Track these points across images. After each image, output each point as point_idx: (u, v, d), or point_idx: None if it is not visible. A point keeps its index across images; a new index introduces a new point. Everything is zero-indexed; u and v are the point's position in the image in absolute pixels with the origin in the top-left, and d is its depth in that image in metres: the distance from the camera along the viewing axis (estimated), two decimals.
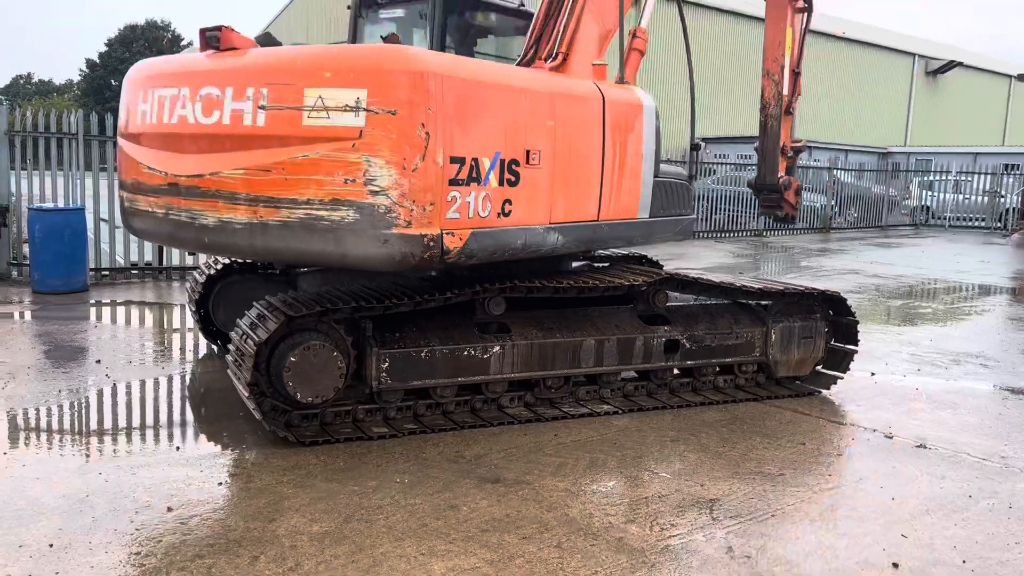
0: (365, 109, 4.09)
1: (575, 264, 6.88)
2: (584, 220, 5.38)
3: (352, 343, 4.99)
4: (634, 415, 5.70)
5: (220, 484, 4.25)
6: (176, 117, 4.68)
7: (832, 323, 6.57)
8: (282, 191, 4.26)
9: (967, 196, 25.68)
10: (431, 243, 4.27)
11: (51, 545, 3.49)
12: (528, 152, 4.84)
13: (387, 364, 5.06)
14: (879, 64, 37.55)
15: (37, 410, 5.42)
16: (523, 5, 8.64)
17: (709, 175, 21.63)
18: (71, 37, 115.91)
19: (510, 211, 4.77)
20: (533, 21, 5.91)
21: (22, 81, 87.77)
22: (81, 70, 72.37)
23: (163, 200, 4.91)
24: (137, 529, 3.66)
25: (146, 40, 68.75)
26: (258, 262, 6.98)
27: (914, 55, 39.32)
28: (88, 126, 10.41)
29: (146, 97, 5.01)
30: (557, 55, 5.63)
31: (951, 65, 39.98)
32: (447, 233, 4.34)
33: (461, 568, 3.41)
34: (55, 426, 5.16)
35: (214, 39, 4.68)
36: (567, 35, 5.67)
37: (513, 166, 4.74)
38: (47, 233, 9.36)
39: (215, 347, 7.18)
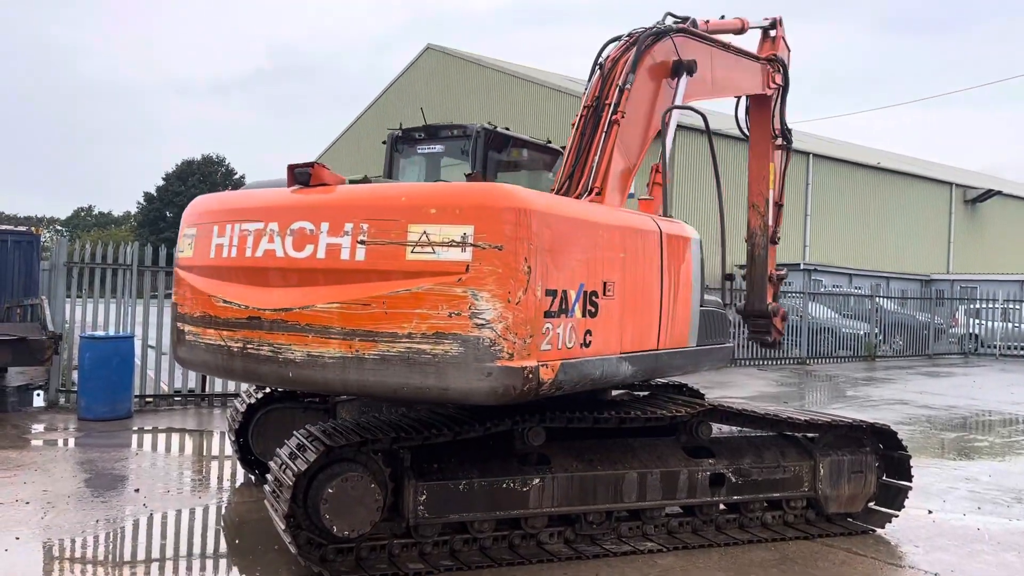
0: (472, 244, 4.21)
1: (615, 393, 6.82)
2: (648, 349, 5.46)
3: (390, 474, 4.92)
4: (679, 553, 5.47)
5: None
6: (261, 251, 4.73)
7: (883, 457, 6.35)
8: (381, 325, 4.29)
9: (1016, 324, 25.15)
10: (530, 375, 4.30)
11: None
12: (605, 283, 4.96)
13: (424, 497, 4.97)
14: (917, 193, 37.84)
15: (73, 540, 5.38)
16: (550, 142, 8.99)
17: None
18: (132, 172, 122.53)
19: (590, 341, 4.82)
20: (564, 157, 6.14)
21: (83, 213, 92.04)
22: (139, 203, 75.77)
23: (239, 334, 4.86)
24: None
25: (201, 175, 72.13)
26: (300, 391, 7.03)
27: (951, 184, 39.61)
28: (142, 256, 10.82)
29: (223, 231, 5.08)
30: (592, 189, 5.80)
31: (990, 194, 40.11)
32: (542, 365, 4.39)
33: None
34: (90, 557, 5.10)
35: (304, 175, 4.79)
36: (600, 170, 5.86)
37: (593, 297, 4.85)
38: (96, 361, 9.58)
39: (253, 476, 7.14)
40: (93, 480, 6.96)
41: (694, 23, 7.10)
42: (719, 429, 6.29)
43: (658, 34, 6.36)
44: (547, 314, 4.41)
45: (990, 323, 25.68)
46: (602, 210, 5.35)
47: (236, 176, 75.18)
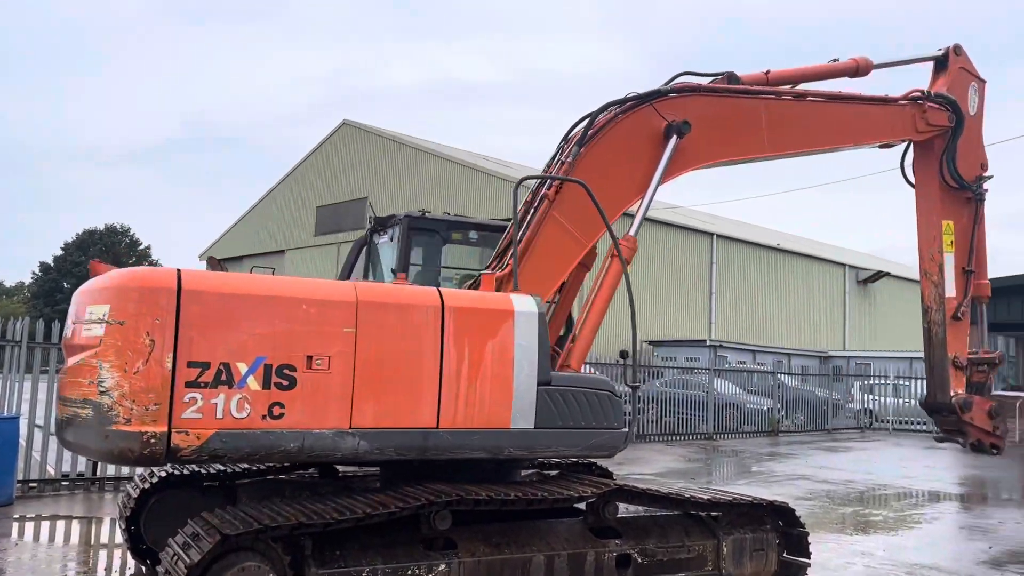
0: (105, 321, 4.68)
1: (524, 473, 6.81)
2: (409, 427, 5.26)
3: (290, 563, 4.76)
4: None
5: None
6: (69, 330, 5.16)
7: (783, 534, 6.50)
8: (65, 390, 4.89)
9: (906, 400, 26.37)
10: (152, 440, 4.52)
11: None
12: (310, 357, 4.97)
13: None
14: (815, 273, 39.79)
15: None
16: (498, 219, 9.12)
17: (658, 378, 22.01)
18: (28, 240, 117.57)
19: (281, 414, 4.86)
20: (504, 236, 6.32)
21: None
22: (34, 273, 72.48)
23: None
24: None
25: (104, 245, 69.71)
26: (200, 474, 6.80)
27: (845, 265, 41.80)
28: (33, 330, 10.33)
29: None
30: (505, 266, 5.96)
31: (880, 275, 42.46)
32: (179, 432, 4.58)
33: None
34: None
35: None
36: (520, 247, 6.06)
37: (285, 371, 4.89)
38: None
39: (144, 567, 6.76)
40: None
41: (733, 78, 6.66)
42: (625, 509, 6.34)
43: (626, 103, 6.26)
44: (189, 384, 4.65)
45: (883, 398, 26.85)
46: (307, 284, 5.24)
47: (141, 247, 73.01)
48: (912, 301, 44.76)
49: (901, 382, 26.91)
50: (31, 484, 10.14)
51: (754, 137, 6.55)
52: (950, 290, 7.05)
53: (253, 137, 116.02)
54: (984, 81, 7.43)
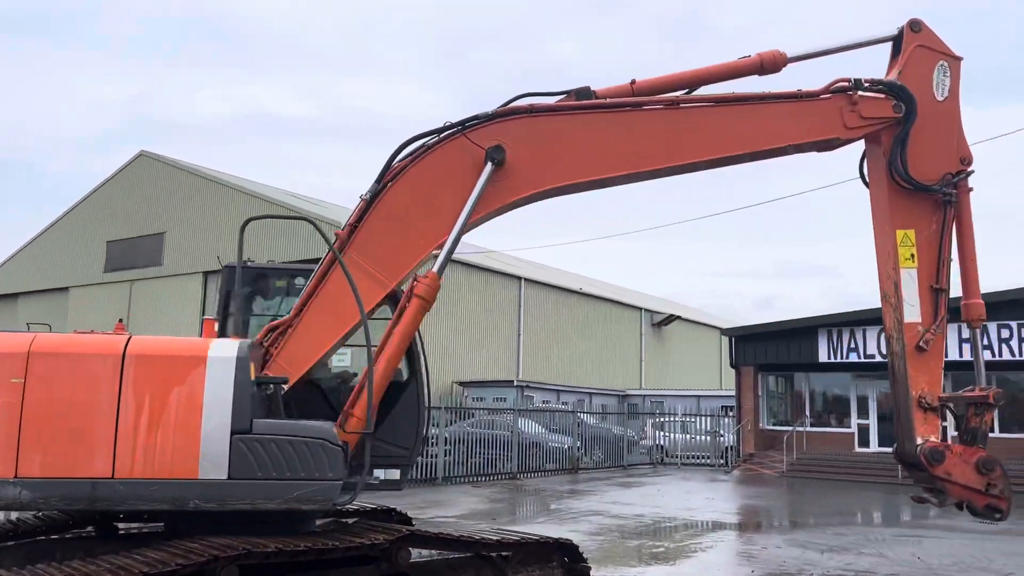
0: None
1: (320, 522, 6.78)
2: (79, 476, 5.23)
3: None
4: None
5: None
6: None
7: (568, 570, 6.88)
8: None
9: (693, 436, 28.41)
10: None
11: None
12: None
13: None
14: (615, 316, 42.10)
15: None
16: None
17: (466, 419, 22.35)
18: None
19: None
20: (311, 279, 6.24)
21: None
22: None
23: None
24: None
25: None
26: None
27: (641, 309, 44.56)
28: None
29: None
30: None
31: (672, 318, 45.61)
32: None
33: None
34: None
35: None
36: (307, 293, 6.13)
37: None
38: None
39: None
40: None
41: (584, 93, 6.04)
42: (419, 554, 6.47)
43: (441, 132, 5.98)
44: None
45: (673, 435, 28.75)
46: None
47: None
48: (701, 342, 48.41)
49: (688, 419, 28.97)
50: None
51: (600, 156, 5.89)
52: (911, 314, 6.00)
53: (38, 162, 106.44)
54: (958, 58, 6.31)
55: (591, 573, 7.09)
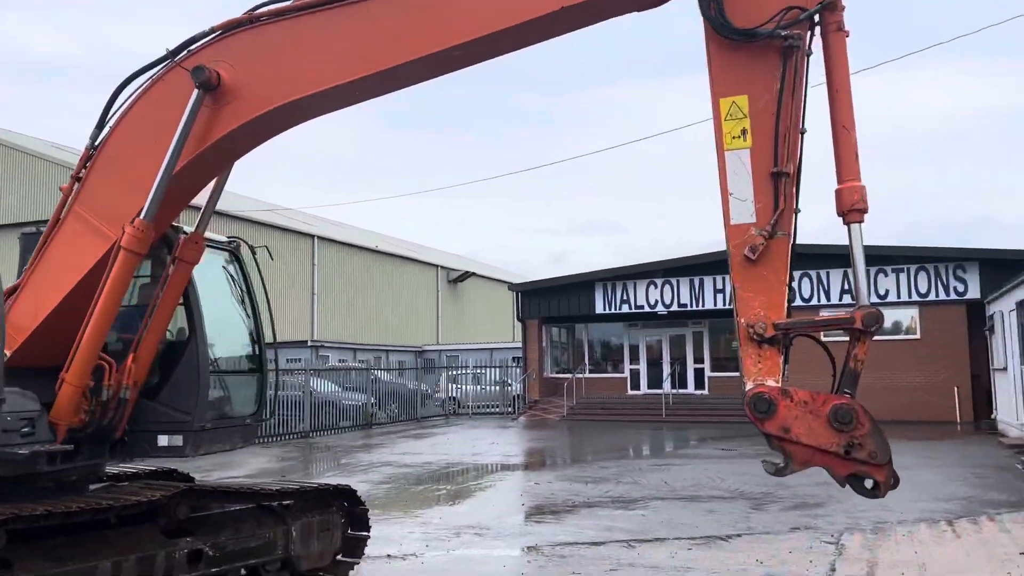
0: None
1: (94, 487, 6.80)
2: None
3: None
4: None
5: None
6: None
7: (348, 513, 7.38)
8: None
9: (484, 386, 29.78)
10: None
11: None
12: None
13: None
14: (411, 273, 42.66)
15: None
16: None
17: None
18: None
19: None
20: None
21: None
22: None
23: None
24: None
25: None
26: None
27: (437, 266, 45.43)
28: None
29: None
30: None
31: (467, 275, 46.91)
32: None
33: None
34: None
35: None
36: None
37: None
38: None
39: None
40: None
41: None
42: (203, 508, 6.70)
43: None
44: None
45: (465, 387, 29.98)
46: None
47: None
48: (495, 297, 50.01)
49: (479, 371, 30.30)
50: None
51: (334, 61, 5.09)
52: (741, 213, 4.29)
53: None
54: None
55: (376, 519, 7.63)
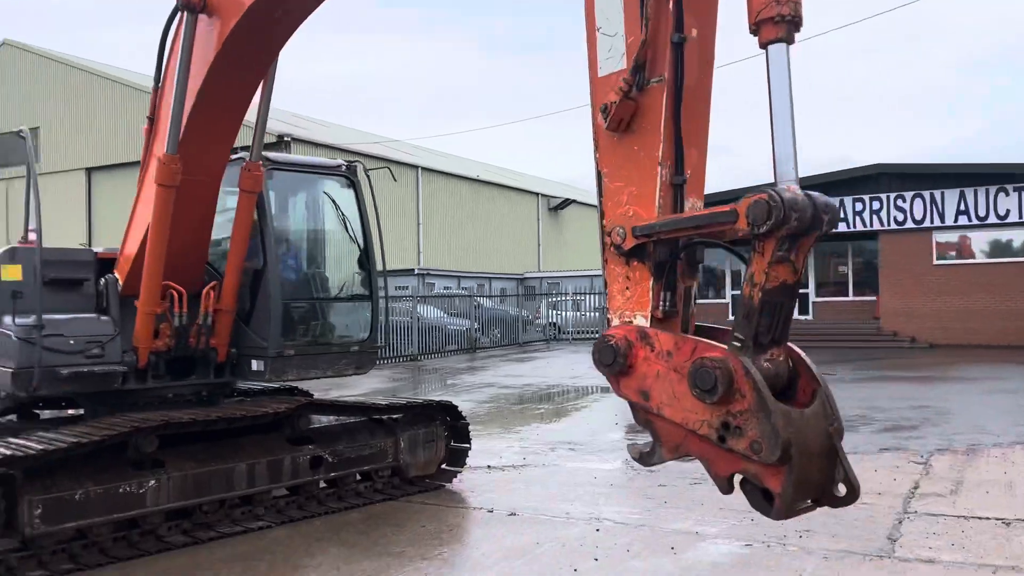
0: None
1: (227, 401, 7.65)
2: None
3: (3, 493, 5.27)
4: (287, 526, 6.52)
5: None
6: None
7: (450, 427, 8.02)
8: None
9: (583, 312, 30.26)
10: None
11: None
12: None
13: (40, 511, 5.40)
14: (512, 202, 43.11)
15: None
16: None
17: None
18: None
19: None
20: None
21: None
22: None
23: None
24: None
25: None
26: None
27: (538, 194, 45.68)
28: None
29: None
30: None
31: (567, 202, 46.99)
32: None
33: None
34: None
35: None
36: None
37: None
38: None
39: None
40: None
41: None
42: (320, 420, 7.46)
43: None
44: None
45: (565, 313, 30.54)
46: None
47: None
48: (593, 224, 49.94)
49: (579, 297, 30.76)
50: None
51: None
52: (608, 58, 3.09)
53: None
54: None
55: (479, 434, 8.23)
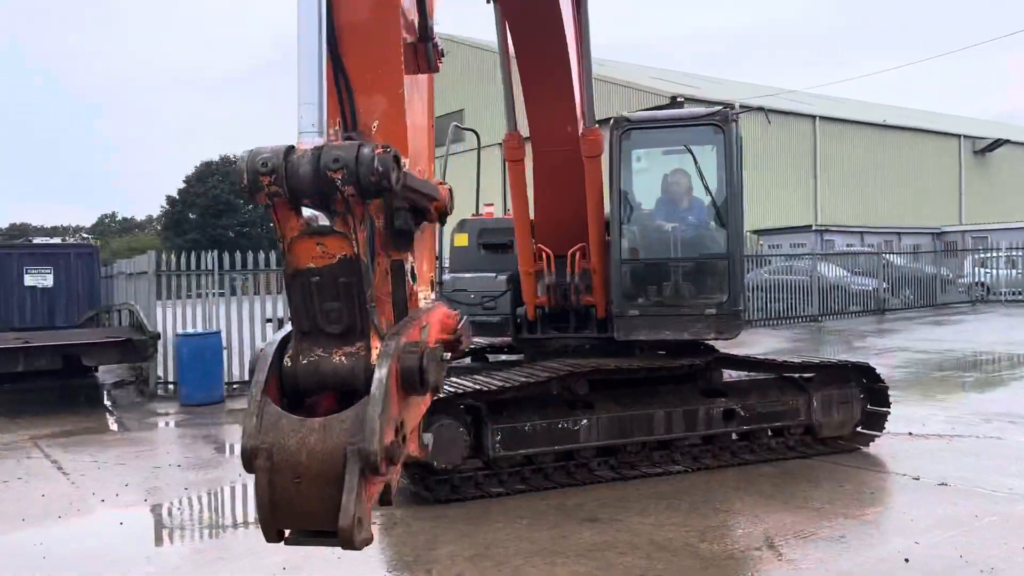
0: None
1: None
2: None
3: (471, 421, 6.37)
4: (701, 473, 6.89)
5: (388, 529, 5.61)
6: None
7: (867, 389, 7.70)
8: None
9: (1020, 271, 26.22)
10: None
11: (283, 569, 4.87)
12: None
13: (499, 437, 6.42)
14: (926, 147, 38.72)
15: (233, 488, 6.90)
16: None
17: (765, 265, 22.83)
18: (152, 176, 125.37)
19: None
20: None
21: (107, 220, 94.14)
22: (162, 206, 77.54)
23: None
24: (340, 557, 5.02)
25: (221, 174, 73.68)
26: None
27: (960, 136, 40.38)
28: (222, 261, 12.33)
29: None
30: None
31: (998, 143, 40.84)
32: None
33: (578, 572, 4.68)
34: (245, 502, 6.63)
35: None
36: None
37: None
38: (192, 354, 11.11)
39: None
40: (221, 448, 8.51)
41: None
42: (729, 375, 7.69)
43: None
44: None
45: (996, 271, 26.74)
46: None
47: None
48: None
49: (1015, 253, 26.69)
50: (234, 385, 12.30)
51: None
52: None
53: None
54: None
55: (896, 400, 7.78)
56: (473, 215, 8.10)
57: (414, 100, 2.57)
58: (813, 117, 34.30)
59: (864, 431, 7.67)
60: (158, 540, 5.84)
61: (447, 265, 8.12)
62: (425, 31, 2.66)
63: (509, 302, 7.54)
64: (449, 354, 2.52)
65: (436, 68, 2.73)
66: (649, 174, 7.61)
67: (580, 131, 6.60)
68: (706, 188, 7.15)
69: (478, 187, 8.03)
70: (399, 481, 2.34)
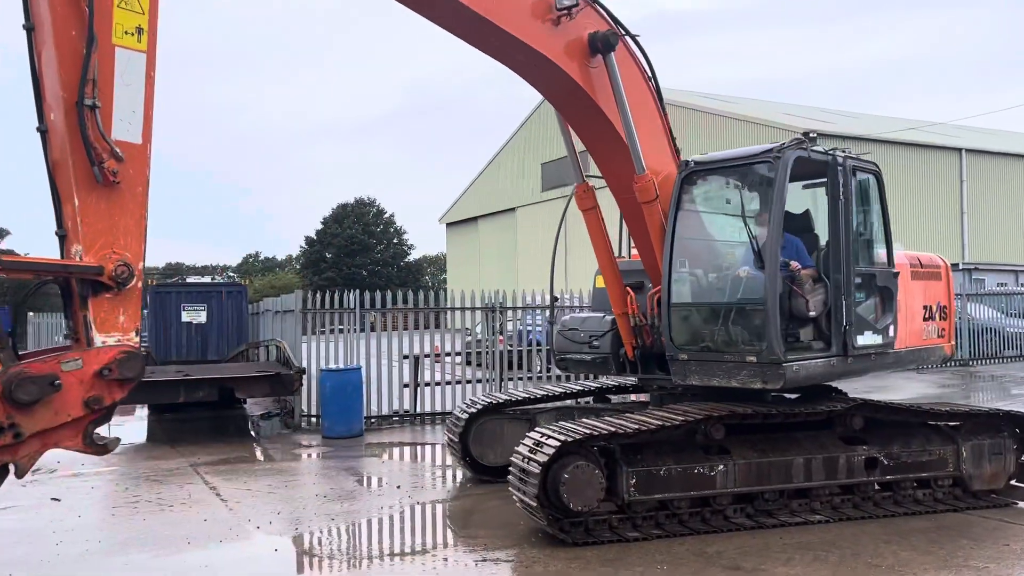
0: None
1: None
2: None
3: (605, 463, 6.43)
4: (844, 523, 6.68)
5: (526, 567, 5.74)
6: None
7: (1021, 439, 7.26)
8: None
9: None
10: None
11: None
12: None
13: (634, 480, 6.45)
14: None
15: (368, 521, 7.24)
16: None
17: None
18: (293, 218, 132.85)
19: None
20: None
21: (251, 259, 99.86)
22: (301, 246, 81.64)
23: None
24: None
25: (355, 216, 76.95)
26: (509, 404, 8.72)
27: None
28: (363, 300, 12.98)
29: None
30: None
31: None
32: None
33: None
34: (386, 531, 6.93)
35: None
36: None
37: None
38: (335, 389, 11.70)
39: (469, 472, 8.74)
40: (361, 480, 8.91)
41: None
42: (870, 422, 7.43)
43: None
44: None
45: None
46: None
47: (386, 215, 79.52)
48: None
49: None
50: (372, 419, 12.85)
51: None
52: None
53: (470, 99, 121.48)
54: None
55: None
56: (619, 257, 8.26)
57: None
58: (959, 150, 32.57)
59: (1020, 484, 7.23)
60: (311, 567, 6.19)
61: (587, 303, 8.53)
62: None
63: (610, 342, 7.85)
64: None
65: None
66: (705, 216, 7.59)
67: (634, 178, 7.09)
68: (748, 230, 6.80)
69: (620, 229, 8.24)
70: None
